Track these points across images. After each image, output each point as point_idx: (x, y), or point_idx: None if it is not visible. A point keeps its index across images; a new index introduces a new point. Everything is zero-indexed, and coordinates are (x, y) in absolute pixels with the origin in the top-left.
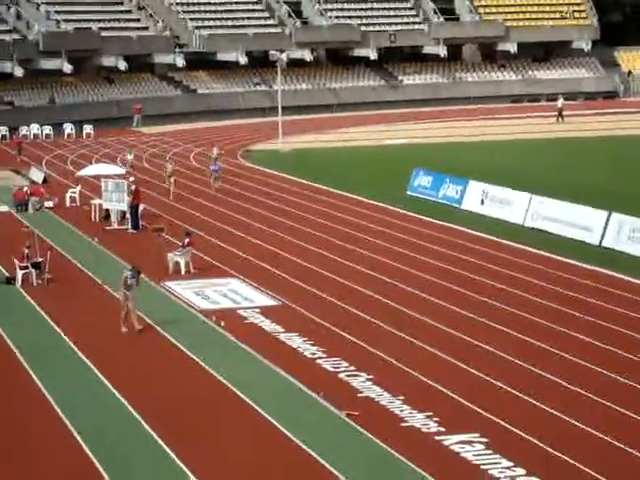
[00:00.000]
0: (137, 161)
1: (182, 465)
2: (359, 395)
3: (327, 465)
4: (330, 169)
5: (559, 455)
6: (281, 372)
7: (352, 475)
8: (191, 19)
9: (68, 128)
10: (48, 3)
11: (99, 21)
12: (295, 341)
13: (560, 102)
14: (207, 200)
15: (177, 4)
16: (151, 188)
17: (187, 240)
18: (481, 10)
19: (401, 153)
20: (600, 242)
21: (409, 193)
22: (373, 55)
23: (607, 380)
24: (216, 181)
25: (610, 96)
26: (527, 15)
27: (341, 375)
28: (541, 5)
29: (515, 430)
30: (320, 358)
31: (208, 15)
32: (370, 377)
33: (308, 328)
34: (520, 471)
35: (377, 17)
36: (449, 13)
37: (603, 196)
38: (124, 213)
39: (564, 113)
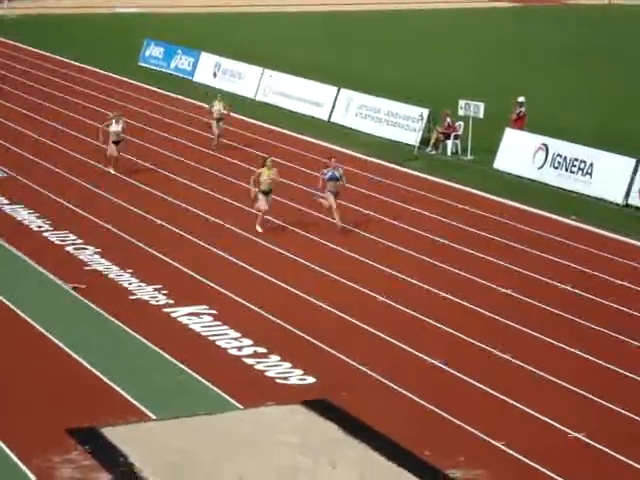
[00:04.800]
0: None
1: None
2: (86, 268)
3: (52, 337)
4: (59, 37)
5: (285, 325)
6: (4, 244)
7: (77, 348)
8: None
9: None
10: None
11: None
12: (20, 213)
13: None
14: None
15: None
16: None
17: None
18: None
19: (132, 22)
20: (329, 118)
21: (140, 64)
22: None
23: (321, 247)
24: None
25: None
26: None
27: (68, 248)
28: None
29: (242, 302)
30: (47, 231)
31: None
32: (98, 250)
33: (34, 200)
34: (247, 342)
35: None
36: None
37: (333, 72)
38: None
39: None
